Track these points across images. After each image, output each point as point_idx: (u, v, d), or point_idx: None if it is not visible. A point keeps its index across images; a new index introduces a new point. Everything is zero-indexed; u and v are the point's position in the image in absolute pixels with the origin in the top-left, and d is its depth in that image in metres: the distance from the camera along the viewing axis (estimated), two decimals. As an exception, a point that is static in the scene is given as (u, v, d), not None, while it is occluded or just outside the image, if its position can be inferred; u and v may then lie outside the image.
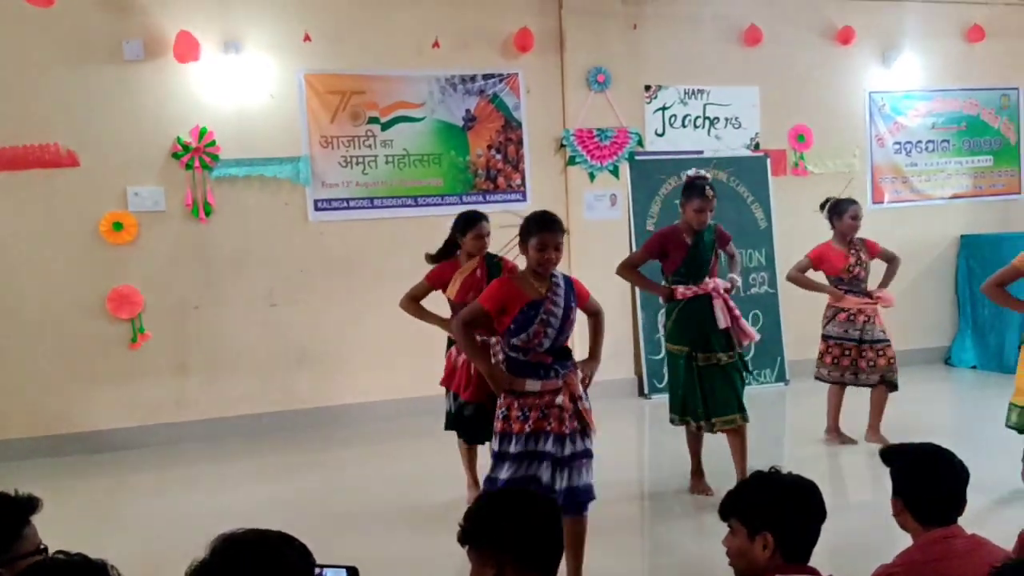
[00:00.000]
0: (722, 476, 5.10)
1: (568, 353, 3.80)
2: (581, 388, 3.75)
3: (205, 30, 6.67)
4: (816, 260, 5.95)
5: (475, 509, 2.32)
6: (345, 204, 7.17)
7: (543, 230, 3.65)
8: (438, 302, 5.14)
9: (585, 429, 3.73)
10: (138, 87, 6.63)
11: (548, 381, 3.69)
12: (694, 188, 4.89)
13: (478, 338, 4.20)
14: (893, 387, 5.89)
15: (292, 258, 7.08)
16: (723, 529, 2.46)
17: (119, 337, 6.67)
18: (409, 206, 7.27)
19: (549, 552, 2.25)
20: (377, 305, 7.14)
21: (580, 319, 3.90)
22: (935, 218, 8.65)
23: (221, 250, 6.91)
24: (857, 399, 6.05)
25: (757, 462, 5.82)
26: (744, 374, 5.11)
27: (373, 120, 7.17)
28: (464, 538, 2.26)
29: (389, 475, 5.87)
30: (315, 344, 7.13)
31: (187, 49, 6.57)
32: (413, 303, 5.11)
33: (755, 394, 7.27)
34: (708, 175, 5.04)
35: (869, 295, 5.89)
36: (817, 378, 6.07)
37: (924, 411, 6.73)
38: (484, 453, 5.06)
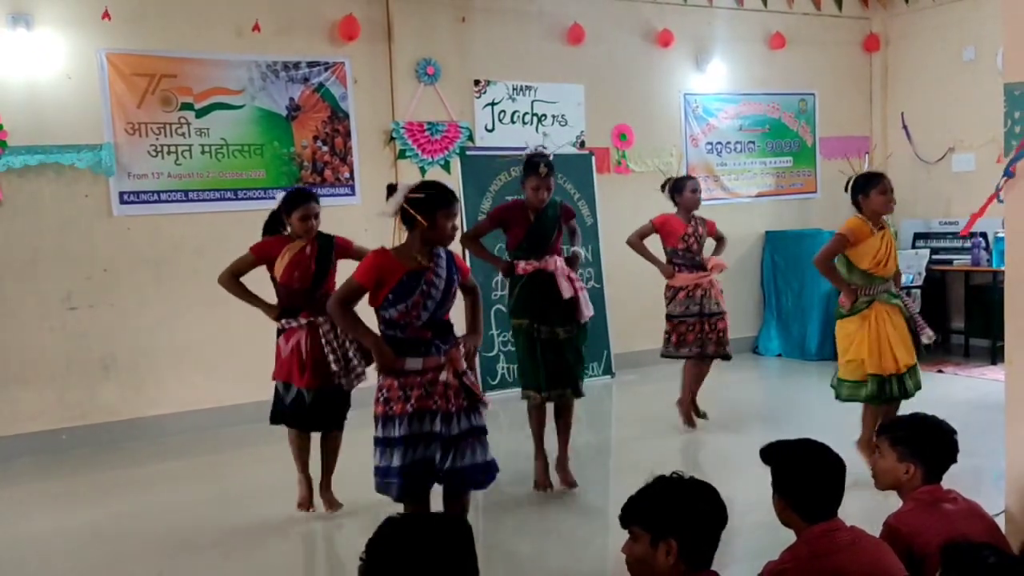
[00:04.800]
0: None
1: (449, 328, 3.64)
2: (465, 363, 3.61)
3: (-12, 1, 5.92)
4: (659, 225, 6.08)
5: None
6: (155, 197, 6.58)
7: (456, 201, 3.59)
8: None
9: (474, 404, 3.59)
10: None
11: (429, 358, 3.53)
12: (530, 166, 4.88)
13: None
14: (727, 357, 6.13)
15: (94, 256, 6.43)
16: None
17: None
18: (228, 199, 6.78)
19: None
20: (193, 306, 6.66)
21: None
22: (743, 215, 9.13)
23: (9, 248, 6.17)
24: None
25: (595, 450, 5.98)
26: (581, 350, 5.07)
27: (186, 106, 6.62)
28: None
29: (216, 491, 5.43)
30: (123, 350, 6.52)
31: (-34, 21, 5.80)
32: (233, 279, 4.65)
33: (584, 386, 7.42)
34: (548, 152, 4.98)
35: (703, 267, 6.07)
36: (664, 356, 6.18)
37: (740, 398, 7.08)
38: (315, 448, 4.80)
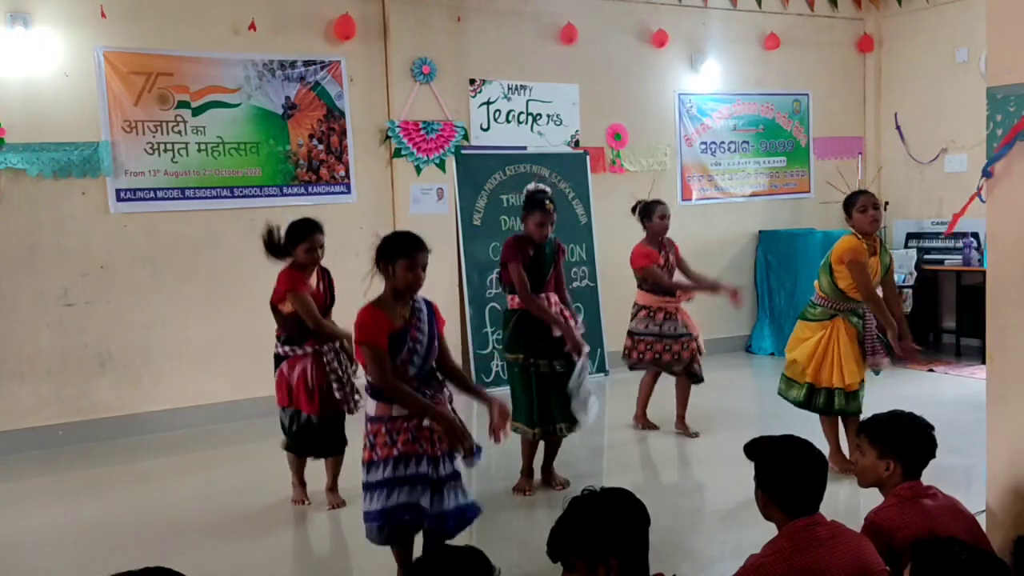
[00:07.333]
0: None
1: (432, 373, 3.65)
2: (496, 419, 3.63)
3: (-14, -1, 5.96)
4: (634, 258, 6.08)
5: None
6: (152, 194, 6.62)
7: (416, 250, 3.51)
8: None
9: (451, 452, 3.59)
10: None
11: None
12: (534, 202, 4.86)
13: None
14: (695, 379, 6.13)
15: (91, 253, 6.47)
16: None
17: None
18: (225, 197, 6.82)
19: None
20: (189, 303, 6.72)
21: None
22: (736, 214, 9.20)
23: (7, 244, 6.21)
24: (666, 389, 6.31)
25: (589, 448, 6.03)
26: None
27: (183, 104, 6.66)
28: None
29: (210, 486, 5.48)
30: (119, 347, 6.55)
31: (-36, 18, 5.83)
32: (319, 322, 4.65)
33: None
34: (548, 188, 4.98)
35: (671, 293, 6.07)
36: (630, 367, 6.31)
37: (731, 396, 7.13)
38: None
